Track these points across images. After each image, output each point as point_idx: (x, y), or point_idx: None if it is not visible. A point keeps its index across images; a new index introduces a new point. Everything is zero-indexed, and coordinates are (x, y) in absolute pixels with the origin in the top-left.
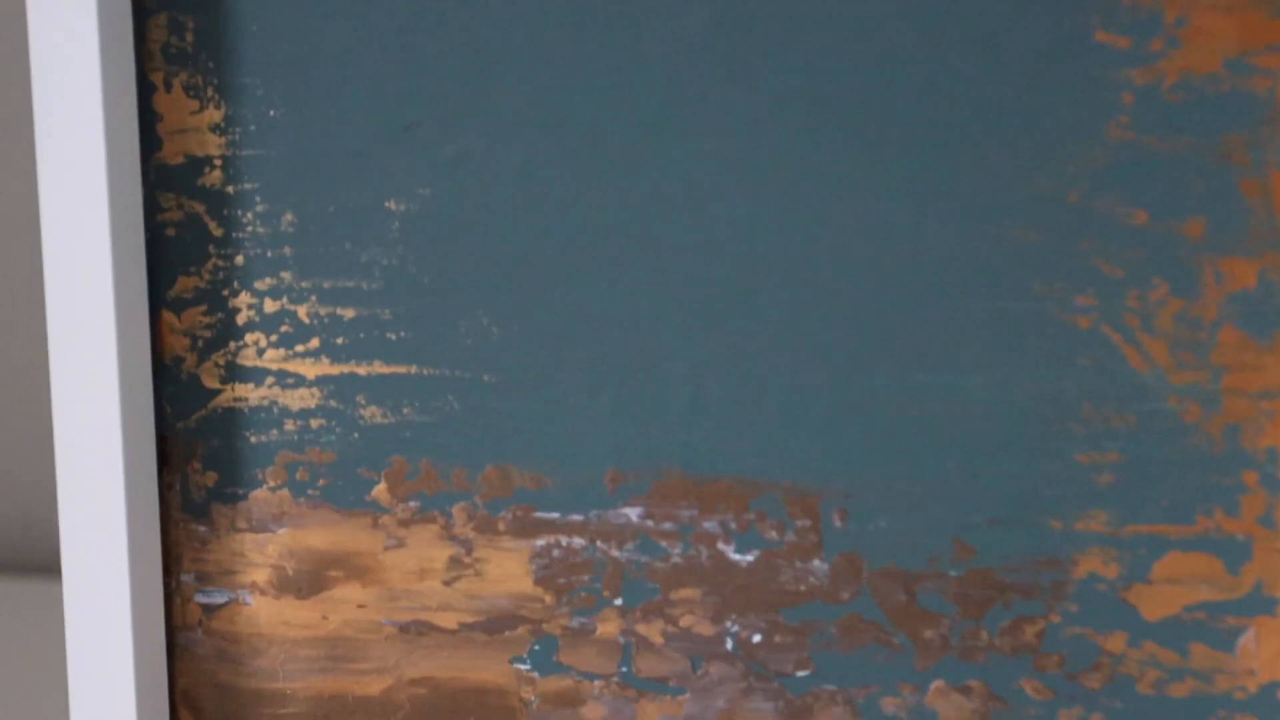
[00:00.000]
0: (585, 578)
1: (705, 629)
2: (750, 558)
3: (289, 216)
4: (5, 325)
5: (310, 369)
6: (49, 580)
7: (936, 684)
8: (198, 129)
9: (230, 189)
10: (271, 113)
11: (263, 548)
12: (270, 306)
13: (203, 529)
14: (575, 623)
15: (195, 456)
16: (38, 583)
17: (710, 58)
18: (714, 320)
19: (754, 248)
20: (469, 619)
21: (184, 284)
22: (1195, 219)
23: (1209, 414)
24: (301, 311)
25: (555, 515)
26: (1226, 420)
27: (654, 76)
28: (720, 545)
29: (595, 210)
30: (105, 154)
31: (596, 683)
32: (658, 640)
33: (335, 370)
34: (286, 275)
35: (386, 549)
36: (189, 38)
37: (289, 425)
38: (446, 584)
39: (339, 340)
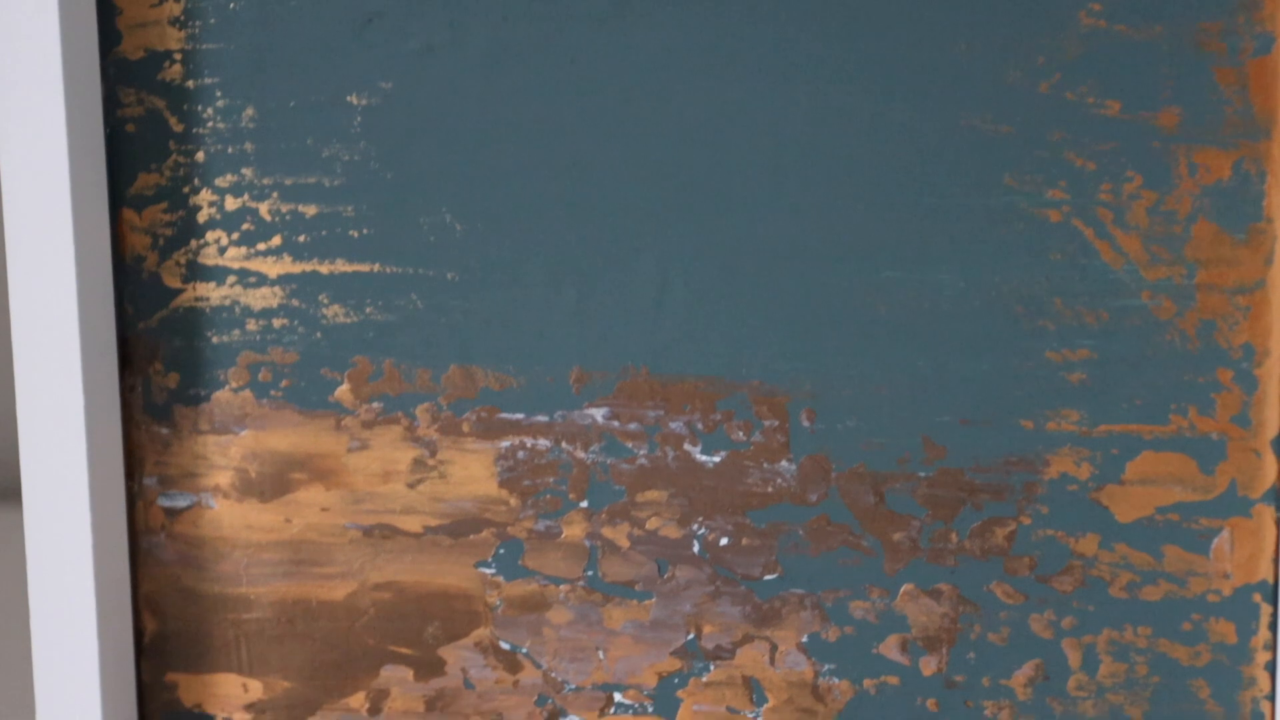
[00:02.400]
0: (550, 480)
1: (672, 531)
2: (717, 459)
3: (250, 111)
4: None
5: (272, 267)
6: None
7: (906, 588)
8: (157, 22)
9: (190, 84)
10: (232, 5)
11: (225, 450)
12: (231, 204)
13: (165, 431)
14: (541, 526)
15: (157, 357)
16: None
17: None
18: (680, 217)
19: (720, 142)
20: (433, 522)
21: (144, 181)
22: (1169, 109)
23: (1183, 310)
24: (263, 209)
25: (520, 416)
26: (1201, 316)
27: None
28: (687, 446)
29: (559, 103)
30: (61, 48)
31: (562, 587)
32: (624, 544)
33: (297, 269)
34: (247, 172)
35: (350, 451)
36: None
37: (251, 325)
38: (410, 486)
39: (301, 238)
